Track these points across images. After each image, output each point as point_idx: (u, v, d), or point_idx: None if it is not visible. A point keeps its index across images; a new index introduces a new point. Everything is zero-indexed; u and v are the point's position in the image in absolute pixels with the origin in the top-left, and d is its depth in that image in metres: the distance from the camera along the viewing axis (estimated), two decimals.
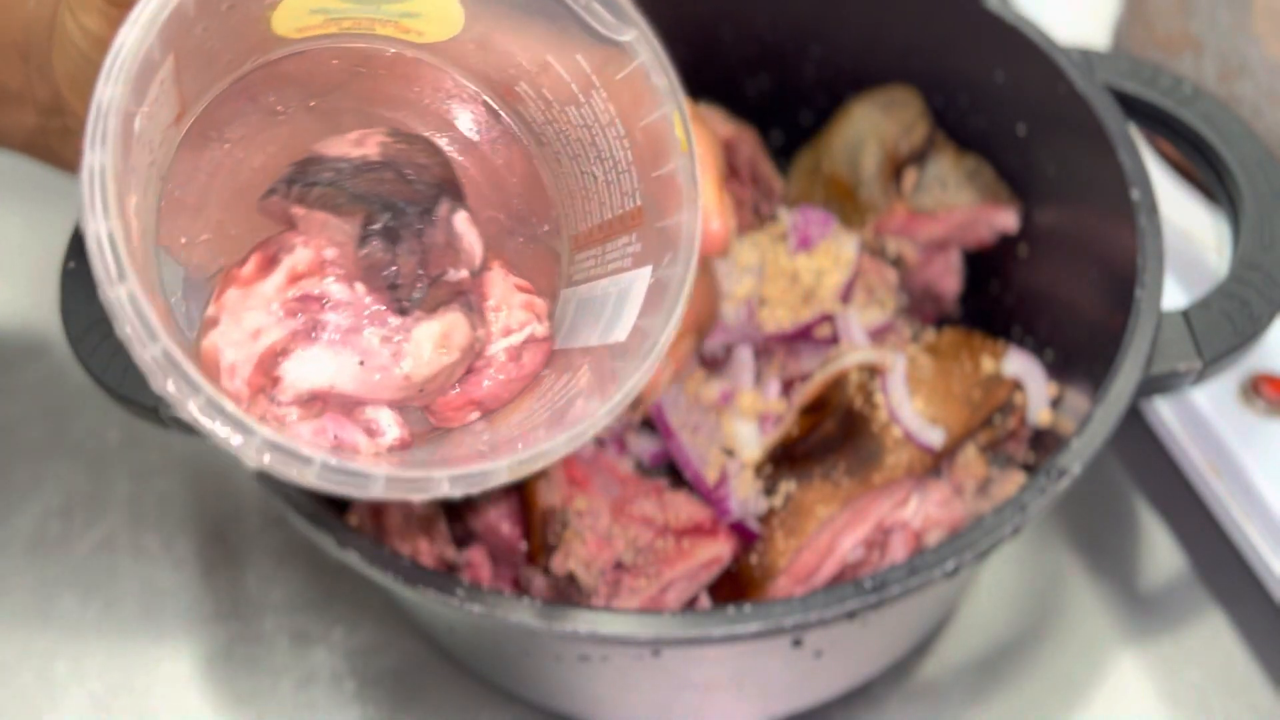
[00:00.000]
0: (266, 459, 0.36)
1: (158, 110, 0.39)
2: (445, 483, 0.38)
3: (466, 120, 0.46)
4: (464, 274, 0.42)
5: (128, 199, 0.37)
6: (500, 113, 0.46)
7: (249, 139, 0.43)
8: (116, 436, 0.70)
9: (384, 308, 0.41)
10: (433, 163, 0.43)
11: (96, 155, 0.35)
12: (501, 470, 0.38)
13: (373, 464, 0.38)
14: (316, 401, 0.41)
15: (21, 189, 0.78)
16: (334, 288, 0.41)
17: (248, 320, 0.40)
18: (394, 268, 0.41)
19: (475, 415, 0.44)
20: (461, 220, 0.42)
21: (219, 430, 0.36)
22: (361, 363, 0.41)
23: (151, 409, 0.52)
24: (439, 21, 0.43)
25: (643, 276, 0.43)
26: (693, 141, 0.42)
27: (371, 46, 0.44)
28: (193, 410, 0.36)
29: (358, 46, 0.44)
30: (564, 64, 0.43)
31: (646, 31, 0.42)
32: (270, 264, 0.41)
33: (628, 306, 0.43)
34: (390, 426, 0.41)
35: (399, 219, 0.41)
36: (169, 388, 0.36)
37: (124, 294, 0.35)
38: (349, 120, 0.44)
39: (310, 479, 0.36)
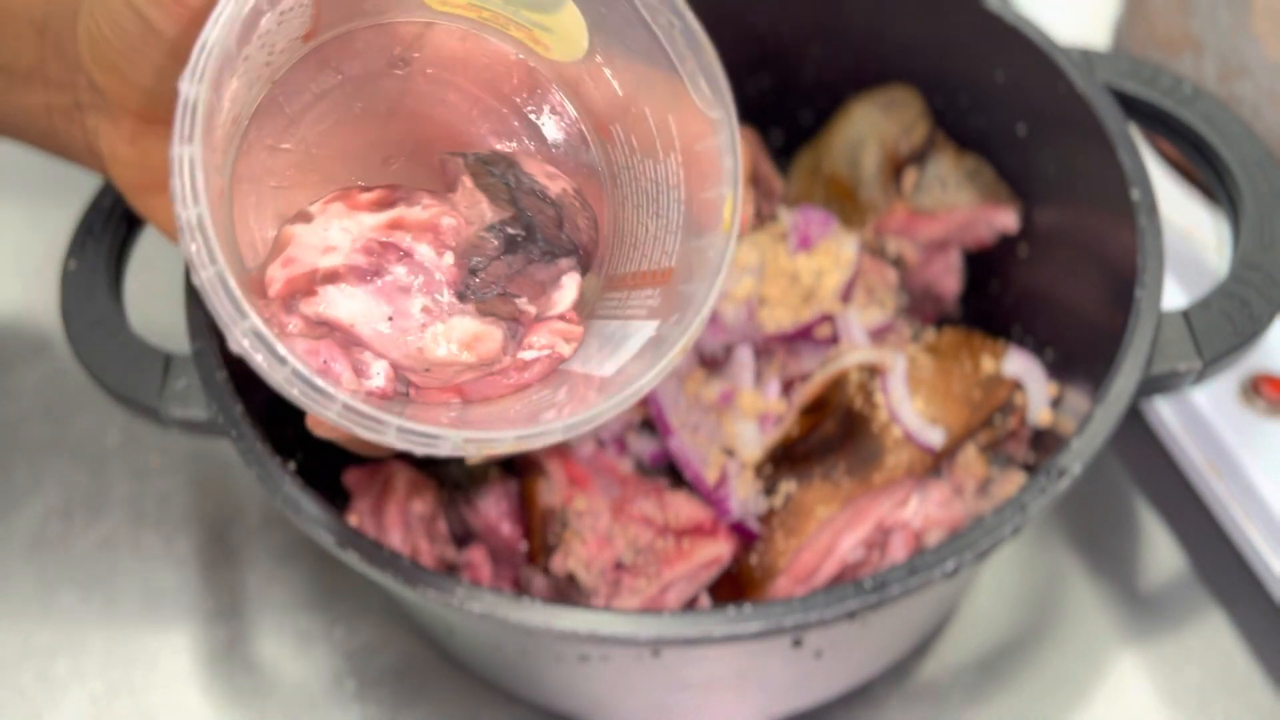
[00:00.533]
0: (247, 344, 0.38)
1: (290, 19, 0.41)
2: (394, 430, 0.39)
3: (558, 137, 0.48)
4: (532, 311, 0.44)
5: (228, 82, 0.40)
6: (590, 144, 0.48)
7: (362, 81, 0.45)
8: (116, 436, 0.70)
9: (447, 285, 0.43)
10: (587, 230, 0.46)
11: (211, 31, 0.38)
12: (447, 440, 0.40)
13: (338, 389, 0.39)
14: (323, 327, 0.42)
15: (23, 188, 0.78)
16: (419, 248, 0.43)
17: (332, 234, 0.43)
18: (488, 262, 0.43)
19: (456, 401, 0.45)
20: (572, 280, 0.45)
21: (218, 305, 0.38)
22: (390, 317, 0.43)
23: (151, 409, 0.52)
24: (566, 43, 0.45)
25: (648, 328, 0.44)
26: (736, 225, 0.44)
27: (501, 45, 0.46)
28: (202, 279, 0.38)
29: (489, 40, 0.46)
30: (657, 120, 0.45)
31: (732, 114, 0.44)
32: (386, 205, 0.44)
33: (624, 350, 0.44)
34: (379, 375, 0.43)
35: (527, 241, 0.44)
36: (190, 250, 0.38)
37: (186, 154, 0.37)
38: (454, 98, 0.46)
39: (278, 378, 0.38)
